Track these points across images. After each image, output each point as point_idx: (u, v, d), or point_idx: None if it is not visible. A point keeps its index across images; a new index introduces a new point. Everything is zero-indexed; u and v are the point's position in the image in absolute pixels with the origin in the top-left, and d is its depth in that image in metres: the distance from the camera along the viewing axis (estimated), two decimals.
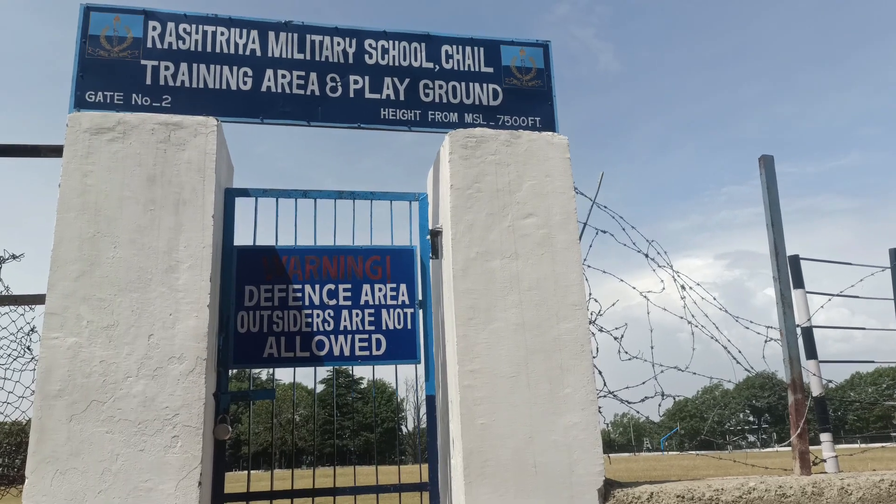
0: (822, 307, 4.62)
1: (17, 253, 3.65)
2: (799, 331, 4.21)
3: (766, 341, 4.04)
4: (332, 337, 3.51)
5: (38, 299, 3.36)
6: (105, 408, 2.89)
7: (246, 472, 3.57)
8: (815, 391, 4.46)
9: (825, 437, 4.52)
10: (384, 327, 3.56)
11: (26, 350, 3.56)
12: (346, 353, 3.50)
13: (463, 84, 3.92)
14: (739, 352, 4.01)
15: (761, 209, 4.15)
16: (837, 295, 4.62)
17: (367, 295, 3.59)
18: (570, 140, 3.72)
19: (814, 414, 4.45)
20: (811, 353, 4.60)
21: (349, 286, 3.59)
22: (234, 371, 3.51)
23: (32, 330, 3.57)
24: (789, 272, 4.13)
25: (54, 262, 3.02)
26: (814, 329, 4.64)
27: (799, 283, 4.56)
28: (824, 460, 4.04)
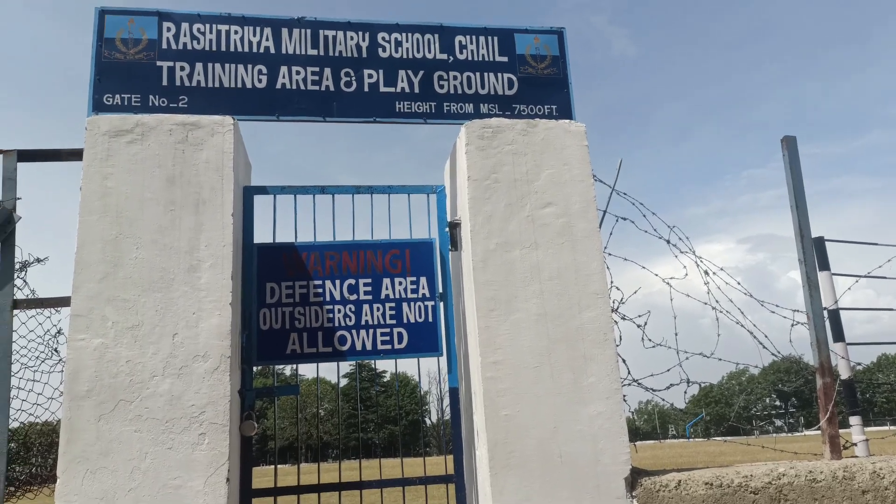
0: (849, 289, 4.54)
1: (41, 256, 3.70)
2: (826, 313, 4.14)
3: (792, 325, 3.99)
4: (353, 332, 3.52)
5: (63, 302, 3.40)
6: (132, 407, 2.93)
7: (273, 466, 3.60)
8: (844, 374, 4.38)
9: (854, 420, 4.45)
10: (405, 321, 3.57)
11: (54, 352, 3.61)
12: (369, 347, 3.51)
13: (477, 74, 3.89)
14: (766, 336, 3.96)
15: (783, 192, 4.09)
16: (864, 276, 4.54)
17: (387, 289, 3.60)
18: (587, 128, 3.69)
19: (842, 397, 4.38)
20: (838, 335, 4.51)
21: (369, 280, 3.59)
22: (259, 368, 3.54)
23: (59, 332, 3.61)
24: (814, 254, 4.07)
25: (78, 265, 3.06)
26: (840, 311, 4.56)
27: (824, 265, 4.48)
28: (854, 444, 3.98)
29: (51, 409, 3.56)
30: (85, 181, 3.17)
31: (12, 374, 3.30)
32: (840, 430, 3.88)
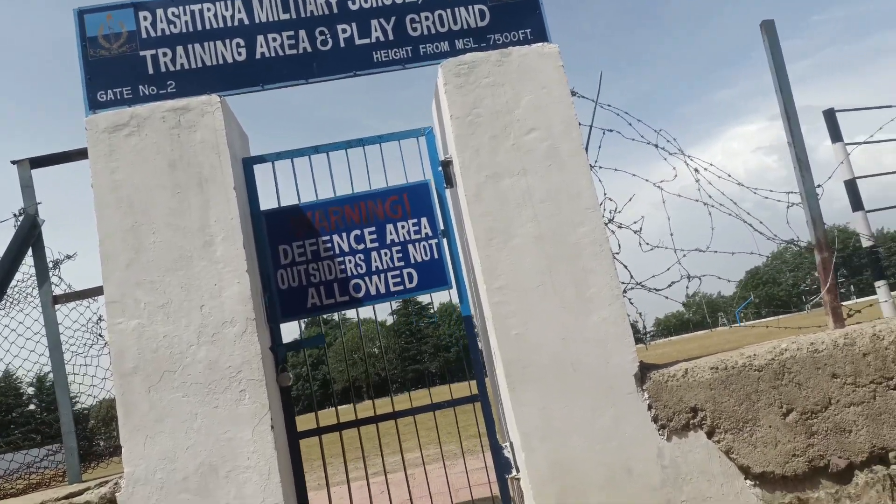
0: (849, 153, 4.53)
1: (69, 252, 3.99)
2: (843, 185, 4.25)
3: (787, 207, 4.09)
4: (366, 278, 3.75)
5: (97, 291, 3.69)
6: (176, 376, 3.23)
7: (333, 408, 3.91)
8: (865, 242, 4.43)
9: (880, 283, 4.50)
10: (413, 261, 3.78)
11: (98, 337, 3.95)
12: (382, 290, 3.74)
13: (449, 11, 3.95)
14: (761, 223, 4.07)
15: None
16: (864, 142, 4.55)
17: (391, 234, 3.80)
18: (575, 45, 3.75)
19: (867, 266, 4.48)
20: (857, 204, 4.53)
21: (374, 228, 3.79)
22: (305, 321, 3.80)
23: (100, 318, 3.94)
24: (802, 135, 4.12)
25: (104, 256, 3.32)
26: (857, 181, 4.53)
27: (837, 137, 4.47)
28: (859, 311, 4.11)
29: (105, 388, 3.92)
30: (94, 178, 3.39)
31: (65, 362, 3.64)
32: (857, 300, 4.01)
